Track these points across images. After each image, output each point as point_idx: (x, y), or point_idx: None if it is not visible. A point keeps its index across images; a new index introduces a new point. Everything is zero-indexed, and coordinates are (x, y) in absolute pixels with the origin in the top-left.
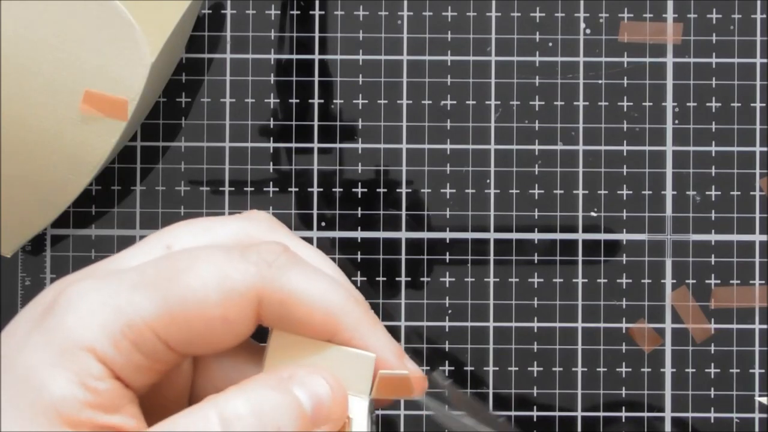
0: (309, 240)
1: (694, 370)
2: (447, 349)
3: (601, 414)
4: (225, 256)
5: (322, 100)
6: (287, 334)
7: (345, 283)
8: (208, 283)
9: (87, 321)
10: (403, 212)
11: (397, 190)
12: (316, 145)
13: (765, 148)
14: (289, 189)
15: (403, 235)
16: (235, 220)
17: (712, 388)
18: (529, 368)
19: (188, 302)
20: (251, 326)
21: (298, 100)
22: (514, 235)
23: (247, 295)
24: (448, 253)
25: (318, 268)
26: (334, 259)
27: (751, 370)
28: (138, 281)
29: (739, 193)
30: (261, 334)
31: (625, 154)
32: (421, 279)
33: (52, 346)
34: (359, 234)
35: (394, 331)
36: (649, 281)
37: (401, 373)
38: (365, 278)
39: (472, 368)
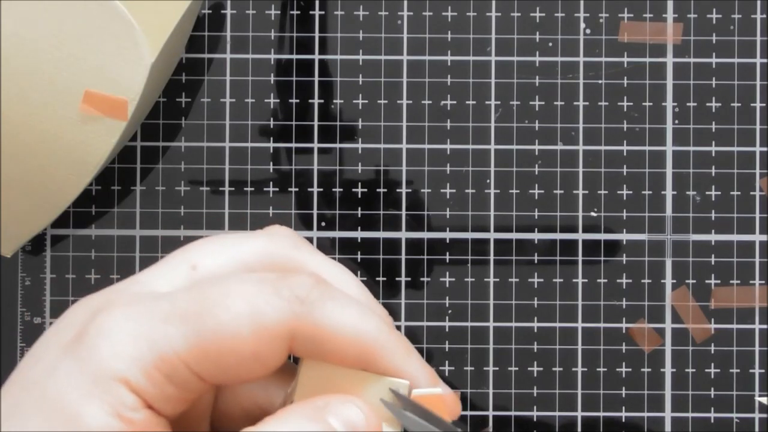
0: (309, 240)
1: (694, 370)
2: (447, 349)
3: (601, 414)
4: (257, 291)
5: (322, 100)
6: (318, 362)
7: (372, 304)
8: (241, 318)
9: (120, 352)
10: (403, 212)
11: (397, 190)
12: (316, 145)
13: (765, 148)
14: (289, 189)
15: (403, 235)
16: (258, 238)
17: (712, 388)
18: (529, 368)
19: (220, 337)
20: (282, 359)
21: (298, 100)
22: (514, 235)
23: (279, 331)
24: (448, 253)
25: (347, 294)
26: (333, 260)
27: (751, 370)
28: (170, 313)
29: (739, 193)
30: None
31: (625, 154)
32: (421, 279)
33: (85, 375)
34: (359, 234)
35: None
36: (649, 281)
37: (435, 391)
38: (365, 278)
39: (472, 368)
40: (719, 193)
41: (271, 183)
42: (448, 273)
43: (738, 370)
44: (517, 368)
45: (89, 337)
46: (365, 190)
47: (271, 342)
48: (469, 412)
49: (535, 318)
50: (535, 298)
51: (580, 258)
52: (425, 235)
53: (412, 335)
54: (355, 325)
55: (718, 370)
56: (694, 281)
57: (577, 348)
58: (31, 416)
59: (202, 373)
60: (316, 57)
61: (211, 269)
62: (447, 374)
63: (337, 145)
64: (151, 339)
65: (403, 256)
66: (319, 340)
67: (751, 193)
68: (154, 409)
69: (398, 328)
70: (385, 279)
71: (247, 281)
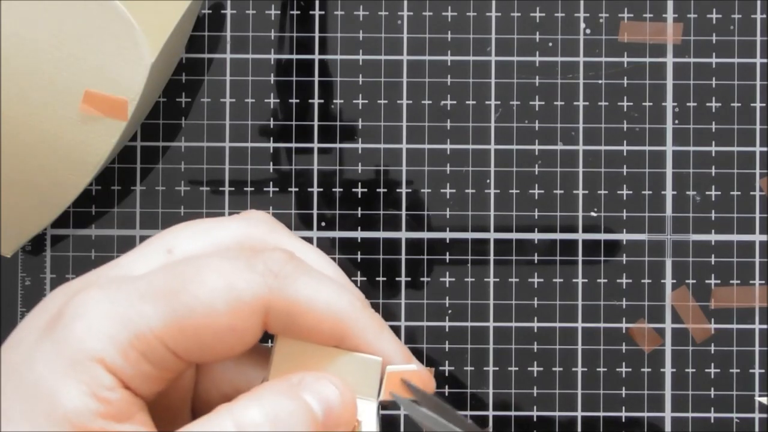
0: (309, 240)
1: (694, 370)
2: (447, 349)
3: (601, 414)
4: (231, 266)
5: (322, 100)
6: (292, 340)
7: (348, 285)
8: (216, 293)
9: (96, 332)
10: (403, 212)
11: (397, 190)
12: (316, 145)
13: (765, 148)
14: (289, 189)
15: (403, 235)
16: (235, 221)
17: (712, 388)
18: (529, 368)
19: (196, 313)
20: (258, 334)
21: (298, 100)
22: (514, 235)
23: (254, 306)
24: (448, 253)
25: (322, 272)
26: (333, 259)
27: (751, 370)
28: (145, 291)
29: (739, 193)
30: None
31: (625, 154)
32: (421, 279)
33: (62, 356)
34: (359, 234)
35: (394, 331)
36: (649, 281)
37: (409, 367)
38: (365, 278)
39: (472, 368)
40: (719, 193)
41: (271, 183)
42: (448, 273)
43: (738, 370)
44: (517, 368)
45: (65, 319)
46: (365, 190)
47: (246, 316)
48: (469, 412)
49: (535, 318)
50: (535, 298)
51: (580, 258)
52: (425, 235)
53: (412, 335)
54: (329, 301)
55: (718, 370)
56: (694, 281)
57: (577, 348)
58: (11, 401)
59: (179, 350)
60: (316, 57)
61: (187, 253)
62: (447, 374)
63: (337, 145)
64: (127, 318)
65: (403, 256)
66: (293, 314)
67: (751, 193)
68: (131, 390)
69: (398, 328)
70: (385, 279)
71: (221, 258)
